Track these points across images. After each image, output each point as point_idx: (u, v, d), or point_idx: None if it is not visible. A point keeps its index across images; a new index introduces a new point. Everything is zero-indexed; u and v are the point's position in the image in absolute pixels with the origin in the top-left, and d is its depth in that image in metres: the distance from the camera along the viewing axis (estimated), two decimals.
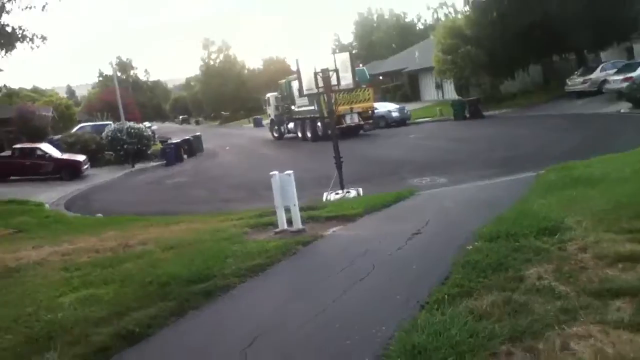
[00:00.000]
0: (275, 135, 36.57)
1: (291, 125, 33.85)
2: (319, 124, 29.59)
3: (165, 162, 28.15)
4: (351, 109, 28.34)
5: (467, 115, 30.60)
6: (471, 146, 19.28)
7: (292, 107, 32.53)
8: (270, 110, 37.24)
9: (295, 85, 31.28)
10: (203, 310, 5.03)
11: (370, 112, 29.87)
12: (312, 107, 29.38)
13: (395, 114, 33.36)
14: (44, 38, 15.96)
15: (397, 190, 11.13)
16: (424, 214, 8.24)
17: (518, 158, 14.91)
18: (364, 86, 28.12)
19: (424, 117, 35.14)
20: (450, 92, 41.71)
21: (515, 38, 29.45)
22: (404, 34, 73.01)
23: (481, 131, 24.51)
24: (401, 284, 5.06)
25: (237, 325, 4.61)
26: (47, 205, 16.91)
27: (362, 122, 29.29)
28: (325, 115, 28.48)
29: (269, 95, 38.37)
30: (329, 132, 29.78)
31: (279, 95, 35.42)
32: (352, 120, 28.60)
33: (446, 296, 4.30)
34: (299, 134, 32.30)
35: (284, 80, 34.86)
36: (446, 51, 34.88)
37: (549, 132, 20.69)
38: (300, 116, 31.86)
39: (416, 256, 5.93)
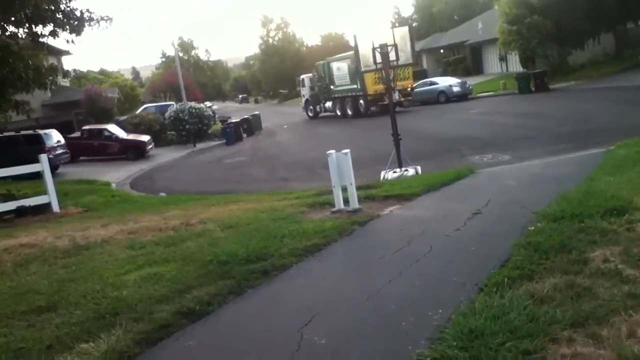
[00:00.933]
0: (310, 114, 38.06)
1: (328, 104, 35.36)
2: (361, 101, 31.45)
3: (225, 141, 28.73)
4: (392, 86, 28.42)
5: (533, 89, 29.52)
6: (537, 121, 18.57)
7: (331, 87, 34.08)
8: (305, 91, 39.12)
9: (335, 65, 33.89)
10: (260, 289, 5.10)
11: (409, 89, 31.42)
12: (355, 86, 31.31)
13: (456, 89, 32.60)
14: (109, 19, 16.49)
15: (456, 168, 10.90)
16: (485, 193, 8.02)
17: (586, 133, 14.25)
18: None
19: (487, 91, 34.12)
20: (515, 65, 40.22)
21: (586, 5, 27.95)
22: (466, 5, 70.60)
23: (547, 105, 23.55)
24: (459, 266, 4.95)
25: (293, 304, 4.66)
26: (113, 185, 17.66)
27: (402, 99, 30.83)
28: (369, 93, 30.29)
29: (303, 76, 40.28)
30: (371, 108, 31.14)
31: (316, 76, 36.90)
32: (393, 97, 28.82)
33: (506, 279, 4.18)
34: (338, 112, 33.84)
35: (322, 62, 36.66)
36: (511, 22, 33.53)
37: (620, 105, 19.61)
38: (339, 95, 33.47)
39: (475, 237, 5.79)
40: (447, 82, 34.04)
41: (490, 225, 6.26)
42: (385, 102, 27.70)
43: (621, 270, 4.08)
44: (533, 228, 5.46)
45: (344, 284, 5.01)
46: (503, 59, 44.59)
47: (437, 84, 34.08)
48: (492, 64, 48.03)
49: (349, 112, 33.00)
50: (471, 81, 35.72)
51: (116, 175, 20.49)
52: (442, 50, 56.31)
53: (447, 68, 52.56)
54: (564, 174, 8.97)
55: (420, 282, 4.71)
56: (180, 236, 7.64)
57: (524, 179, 9.16)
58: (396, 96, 29.24)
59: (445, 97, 32.34)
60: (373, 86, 29.95)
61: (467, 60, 52.05)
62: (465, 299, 4.05)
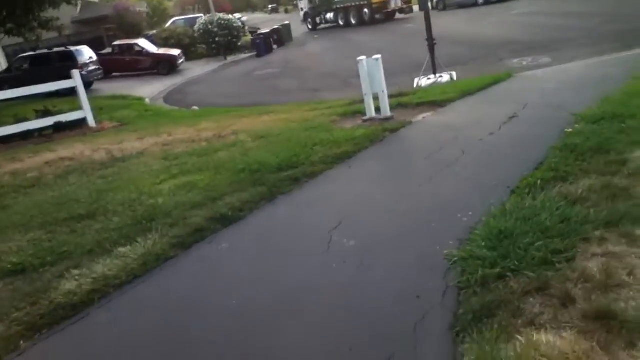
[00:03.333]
0: (310, 27, 38.82)
1: (329, 15, 36.52)
2: (365, 10, 32.89)
3: (255, 53, 28.23)
4: None
5: None
6: (582, 21, 17.49)
7: None
8: (303, 4, 40.23)
9: None
10: (291, 195, 5.16)
11: None
12: None
13: None
14: None
15: (494, 74, 10.50)
16: (523, 97, 7.74)
17: (633, 32, 13.37)
18: None
19: None
20: None
21: None
22: None
23: (596, 3, 22.08)
24: (491, 170, 4.87)
25: (323, 209, 4.70)
26: (146, 100, 17.75)
27: (404, 7, 32.76)
28: (374, 1, 32.00)
29: None
30: (376, 16, 31.43)
31: None
32: (395, 4, 32.45)
33: (539, 181, 4.09)
34: (341, 22, 35.25)
35: None
36: None
37: None
38: (342, 5, 34.79)
39: (510, 141, 5.65)
40: None
41: (526, 129, 6.09)
42: (388, 10, 32.19)
43: None
44: (571, 130, 5.28)
45: (374, 189, 5.01)
46: None
47: None
48: None
49: (353, 22, 33.98)
50: None
51: (149, 90, 20.56)
52: None
53: None
54: (608, 75, 8.53)
55: (451, 186, 4.66)
56: (213, 147, 7.71)
57: (564, 82, 8.79)
58: (399, 3, 32.45)
59: None
60: None
61: None
62: (496, 202, 4.00)
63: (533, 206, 3.67)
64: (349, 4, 34.22)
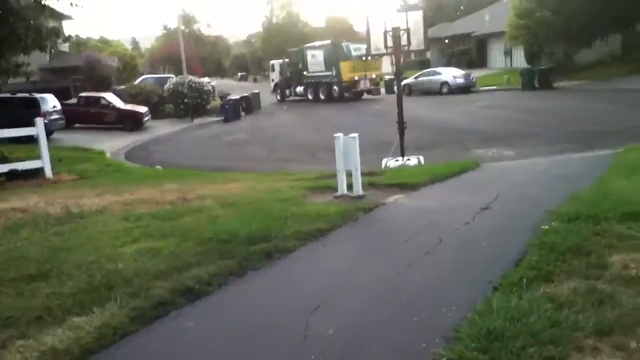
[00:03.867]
0: (278, 98, 40.12)
1: (299, 89, 37.61)
2: (335, 87, 34.11)
3: (223, 118, 28.35)
4: (365, 75, 33.17)
5: (537, 86, 29.25)
6: (540, 118, 18.36)
7: (304, 73, 36.62)
8: (275, 76, 41.68)
9: (310, 53, 36.58)
10: (263, 271, 4.90)
11: (378, 79, 34.83)
12: (329, 73, 34.21)
13: (459, 80, 32.27)
14: None
15: (461, 161, 10.71)
16: (492, 188, 7.83)
17: (591, 134, 14.06)
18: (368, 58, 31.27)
19: (490, 85, 33.82)
20: (520, 60, 39.88)
21: (596, 3, 27.57)
22: None
23: (551, 103, 23.35)
24: (470, 262, 4.77)
25: (297, 290, 4.47)
26: (108, 154, 17.35)
27: (372, 88, 34.03)
28: (344, 80, 33.28)
29: (272, 62, 43.18)
30: (346, 94, 33.54)
31: (287, 62, 39.34)
32: (364, 85, 33.54)
33: (523, 279, 3.99)
34: (310, 96, 36.36)
35: (295, 49, 39.51)
36: (521, 15, 33.12)
37: (627, 107, 19.42)
38: (313, 80, 36.00)
39: (486, 232, 5.60)
40: (450, 73, 33.67)
41: (500, 221, 6.08)
42: (357, 89, 33.48)
43: None
44: (547, 227, 5.28)
45: (351, 272, 4.81)
46: (508, 53, 44.22)
47: (440, 74, 33.72)
48: (497, 58, 47.62)
49: (322, 97, 35.15)
50: (475, 74, 35.32)
51: (111, 144, 20.17)
52: (447, 41, 55.72)
53: (451, 59, 52.10)
54: (573, 174, 8.79)
55: (431, 276, 4.52)
56: (178, 211, 7.42)
57: (531, 176, 8.99)
58: (368, 84, 33.67)
59: (448, 88, 32.01)
60: (348, 74, 33.03)
61: (472, 52, 51.60)
62: (480, 297, 3.86)
63: (520, 306, 3.54)
64: (320, 80, 35.34)
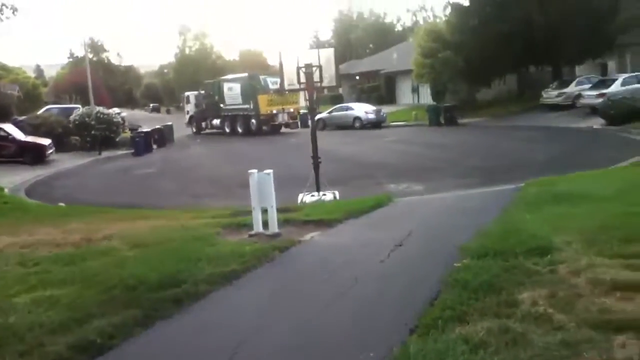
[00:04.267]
0: (194, 130, 39.50)
1: (216, 121, 36.95)
2: (253, 120, 33.66)
3: (133, 151, 27.36)
4: (283, 109, 32.97)
5: (442, 122, 30.66)
6: (447, 153, 19.20)
7: (221, 105, 35.97)
8: (190, 107, 40.80)
9: (226, 85, 36.08)
10: (172, 321, 4.63)
11: (296, 113, 34.46)
12: (247, 106, 33.74)
13: (371, 116, 33.22)
14: (14, 9, 15.21)
15: (374, 196, 10.88)
16: (405, 224, 7.98)
17: (495, 169, 14.84)
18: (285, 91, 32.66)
19: (400, 121, 35.09)
20: (426, 97, 41.76)
21: (495, 46, 29.57)
22: (382, 35, 72.99)
23: (457, 138, 24.54)
24: (386, 302, 4.76)
25: (209, 341, 4.24)
26: (6, 190, 16.11)
27: (290, 122, 33.86)
28: (262, 113, 32.95)
29: (187, 93, 42.21)
30: (264, 128, 33.18)
31: (203, 94, 38.77)
32: (282, 119, 33.39)
33: (439, 320, 4.01)
34: (227, 129, 35.70)
35: (212, 81, 39.14)
36: (426, 55, 34.87)
37: (525, 143, 20.75)
38: (229, 113, 35.35)
39: (400, 271, 5.64)
40: (362, 108, 34.64)
41: (414, 259, 6.16)
42: (275, 123, 33.25)
43: (551, 316, 4.03)
44: (459, 264, 5.39)
45: (266, 317, 4.65)
46: (415, 90, 46.23)
47: (353, 109, 34.62)
48: (405, 94, 49.64)
49: (239, 130, 34.74)
50: (385, 109, 36.57)
51: (10, 179, 18.78)
52: (357, 77, 57.51)
53: (362, 95, 53.69)
54: (480, 208, 9.15)
55: (347, 319, 4.45)
56: (81, 254, 6.96)
57: (441, 211, 9.27)
58: (285, 118, 33.46)
59: (360, 123, 32.87)
60: (266, 107, 32.78)
61: (381, 88, 53.47)
62: (396, 341, 3.82)
63: (436, 350, 3.53)
64: (237, 113, 34.74)
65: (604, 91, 24.25)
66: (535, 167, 14.03)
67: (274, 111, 32.89)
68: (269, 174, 7.75)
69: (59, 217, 11.08)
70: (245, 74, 35.92)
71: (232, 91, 35.20)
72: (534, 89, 32.74)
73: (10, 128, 24.81)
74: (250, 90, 33.45)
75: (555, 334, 3.70)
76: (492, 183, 12.31)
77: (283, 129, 34.36)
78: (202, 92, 39.11)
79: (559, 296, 4.40)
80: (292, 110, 33.68)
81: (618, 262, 5.07)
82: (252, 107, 33.33)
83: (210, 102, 37.03)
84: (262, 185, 7.74)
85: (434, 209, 9.47)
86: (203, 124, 38.40)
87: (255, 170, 7.83)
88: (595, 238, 5.85)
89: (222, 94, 35.87)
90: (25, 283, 5.64)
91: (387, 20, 79.81)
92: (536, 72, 35.59)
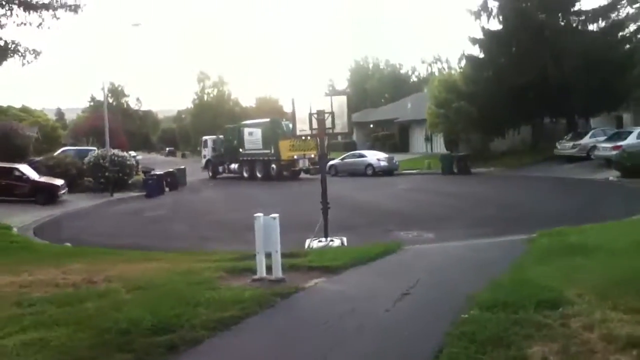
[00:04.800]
0: (210, 174, 39.49)
1: (234, 166, 36.93)
2: (273, 165, 33.61)
3: (145, 193, 27.47)
4: (304, 154, 32.84)
5: (455, 171, 30.54)
6: (459, 202, 18.98)
7: (240, 150, 35.90)
8: (207, 152, 40.80)
9: (247, 130, 35.99)
10: None
11: (317, 158, 33.09)
12: (267, 151, 33.67)
13: (383, 163, 33.23)
14: (36, 53, 15.61)
15: (383, 243, 10.67)
16: (413, 272, 7.75)
17: (507, 219, 14.59)
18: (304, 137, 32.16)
19: (412, 169, 35.04)
20: (440, 146, 41.86)
21: (509, 97, 29.76)
22: (397, 85, 74.08)
23: (469, 188, 24.32)
24: (391, 354, 4.53)
25: None
26: (15, 230, 16.14)
27: (310, 167, 33.49)
28: (283, 158, 32.88)
29: (205, 138, 42.09)
30: (284, 173, 32.96)
31: (222, 138, 39.08)
32: (303, 164, 33.48)
33: None
34: (245, 174, 35.61)
35: (232, 126, 39.36)
36: (440, 105, 35.11)
37: (538, 194, 20.51)
38: (249, 158, 35.30)
39: (406, 321, 5.41)
40: (375, 156, 34.72)
41: (421, 309, 5.93)
42: (296, 168, 33.37)
43: None
44: (466, 316, 5.16)
45: None
46: (429, 139, 46.39)
47: (365, 156, 34.70)
48: (419, 143, 49.84)
49: (259, 175, 34.56)
50: (397, 157, 36.63)
51: (21, 219, 18.86)
52: (372, 125, 58.02)
53: (376, 143, 54.00)
54: (490, 259, 8.89)
55: None
56: (79, 295, 6.80)
57: (450, 261, 9.02)
58: (306, 163, 33.39)
59: (372, 170, 32.86)
60: (287, 152, 32.75)
61: (395, 137, 53.78)
62: None
63: None
64: (257, 158, 34.53)
65: (620, 143, 24.09)
66: (549, 218, 13.74)
67: (295, 156, 32.91)
68: (274, 218, 7.62)
69: (64, 257, 10.97)
70: (267, 120, 35.89)
71: (252, 136, 35.07)
72: (548, 140, 32.65)
73: (25, 168, 25.13)
74: (272, 136, 33.49)
75: None
76: (504, 233, 12.05)
77: (302, 175, 34.18)
78: (221, 136, 39.23)
79: (571, 352, 4.17)
80: (312, 155, 33.00)
81: (633, 317, 4.82)
82: (272, 152, 33.23)
83: (229, 147, 37.09)
84: (268, 230, 7.61)
85: (443, 258, 9.22)
86: (220, 168, 38.42)
87: (260, 214, 7.71)
88: (609, 291, 5.60)
89: (241, 138, 35.81)
90: (18, 324, 5.48)
91: (403, 70, 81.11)
92: (550, 124, 35.60)
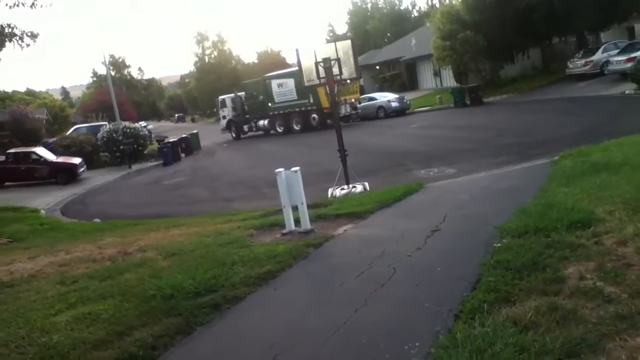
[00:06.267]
0: (234, 135, 37.09)
1: (262, 122, 34.59)
2: (314, 115, 31.45)
3: (162, 161, 27.68)
4: (345, 100, 30.06)
5: (468, 103, 30.20)
6: (476, 134, 18.82)
7: (269, 104, 33.51)
8: (226, 112, 37.84)
9: (275, 82, 33.36)
10: (212, 326, 4.59)
11: (357, 103, 32.27)
12: (305, 100, 31.18)
13: (394, 104, 32.89)
14: (34, 36, 15.45)
15: (405, 183, 10.70)
16: (439, 209, 7.80)
17: (527, 144, 14.45)
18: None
19: (424, 106, 34.67)
20: (449, 80, 41.20)
21: (514, 21, 28.98)
22: (398, 23, 72.40)
23: (484, 118, 24.07)
24: (428, 290, 4.62)
25: (251, 342, 4.18)
26: (42, 212, 16.46)
27: (352, 112, 31.56)
28: (325, 106, 30.05)
29: (222, 97, 38.94)
30: (328, 121, 31.11)
31: (241, 96, 36.42)
32: (345, 110, 30.67)
33: (484, 304, 3.86)
34: (279, 129, 33.44)
35: (253, 80, 36.67)
36: (445, 37, 34.29)
37: (555, 116, 20.23)
38: (282, 111, 32.96)
39: (439, 256, 5.49)
40: (385, 97, 34.34)
41: (452, 243, 6.00)
42: (341, 115, 29.37)
43: (601, 289, 3.85)
44: (499, 245, 5.21)
45: (306, 315, 4.57)
46: (437, 74, 45.65)
47: (375, 99, 34.33)
48: (427, 79, 49.11)
49: (296, 128, 32.63)
50: (408, 96, 36.17)
51: (46, 200, 19.20)
52: (377, 67, 57.11)
53: (384, 84, 53.31)
54: (515, 186, 8.91)
55: (390, 311, 4.33)
56: (118, 267, 6.99)
57: (475, 193, 9.03)
58: (348, 109, 31.08)
59: (384, 112, 32.57)
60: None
61: (403, 76, 52.99)
62: (442, 328, 3.71)
63: (484, 334, 3.39)
64: (292, 109, 32.53)
65: (634, 55, 23.45)
66: (569, 138, 13.62)
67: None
68: (296, 171, 7.66)
69: (95, 232, 11.22)
70: (297, 68, 34.42)
71: (283, 87, 32.70)
72: (559, 61, 31.97)
73: (41, 151, 25.35)
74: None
75: (608, 308, 3.54)
76: (526, 159, 11.99)
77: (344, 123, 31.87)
78: (240, 94, 37.07)
79: (607, 268, 4.21)
80: (353, 100, 31.39)
81: None
82: (312, 100, 30.92)
83: (254, 103, 34.99)
84: (291, 183, 7.66)
85: (468, 191, 9.22)
86: (245, 127, 36.35)
87: (282, 169, 7.75)
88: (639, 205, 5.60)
89: (269, 92, 33.53)
90: (65, 302, 5.67)
91: (402, 7, 79.07)
92: (560, 43, 34.75)
